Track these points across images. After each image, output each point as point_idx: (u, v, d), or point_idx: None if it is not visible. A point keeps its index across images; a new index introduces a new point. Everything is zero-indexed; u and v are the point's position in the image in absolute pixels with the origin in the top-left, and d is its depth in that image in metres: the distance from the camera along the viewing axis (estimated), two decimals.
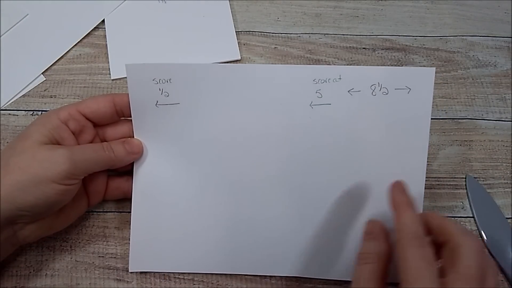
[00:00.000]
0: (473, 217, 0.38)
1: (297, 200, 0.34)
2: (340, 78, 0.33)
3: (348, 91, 0.34)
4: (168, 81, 0.33)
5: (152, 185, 0.35)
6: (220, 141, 0.34)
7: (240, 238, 0.34)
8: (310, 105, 0.34)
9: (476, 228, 0.38)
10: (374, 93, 0.33)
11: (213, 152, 0.34)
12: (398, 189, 0.31)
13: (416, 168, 0.34)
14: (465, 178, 0.40)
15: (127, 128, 0.35)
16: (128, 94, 0.33)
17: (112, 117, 0.34)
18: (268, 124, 0.34)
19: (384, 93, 0.34)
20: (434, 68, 0.33)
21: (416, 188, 0.33)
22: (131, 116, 0.34)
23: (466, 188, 0.39)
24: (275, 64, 0.38)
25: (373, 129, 0.34)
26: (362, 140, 0.34)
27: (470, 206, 0.39)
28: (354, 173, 0.34)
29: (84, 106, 0.33)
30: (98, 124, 0.34)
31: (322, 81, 0.33)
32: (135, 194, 0.34)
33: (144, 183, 0.34)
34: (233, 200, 0.34)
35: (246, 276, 0.35)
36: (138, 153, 0.34)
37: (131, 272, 0.35)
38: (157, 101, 0.34)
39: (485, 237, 0.37)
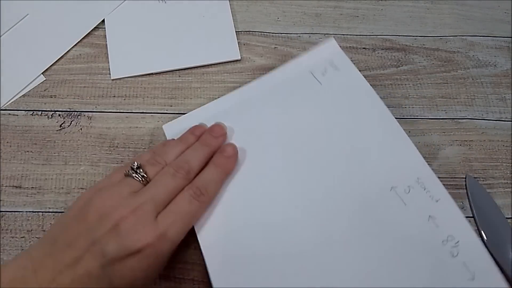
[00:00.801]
0: (473, 217, 0.38)
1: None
2: None
3: None
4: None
5: None
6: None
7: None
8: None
9: (476, 228, 0.38)
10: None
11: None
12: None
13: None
14: (465, 178, 0.40)
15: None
16: None
17: None
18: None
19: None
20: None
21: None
22: None
23: (466, 188, 0.39)
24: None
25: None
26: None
27: (470, 206, 0.39)
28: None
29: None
30: None
31: None
32: None
33: None
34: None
35: None
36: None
37: None
38: None
39: (485, 237, 0.37)
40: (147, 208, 0.28)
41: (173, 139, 0.36)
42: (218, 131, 0.35)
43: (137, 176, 0.30)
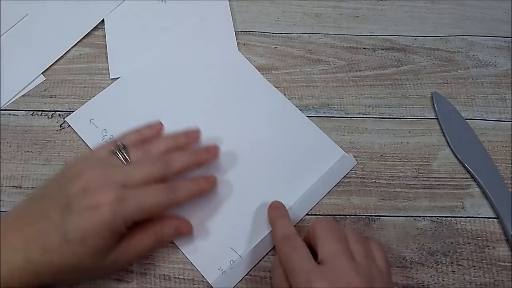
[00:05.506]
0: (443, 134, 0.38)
1: None
2: None
3: None
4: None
5: None
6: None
7: None
8: None
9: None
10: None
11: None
12: (273, 208, 0.36)
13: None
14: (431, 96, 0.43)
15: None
16: None
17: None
18: None
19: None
20: None
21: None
22: None
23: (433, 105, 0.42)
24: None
25: None
26: None
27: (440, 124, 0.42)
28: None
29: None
30: None
31: None
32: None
33: None
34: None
35: (246, 276, 0.35)
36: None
37: (131, 272, 0.35)
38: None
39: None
40: (118, 177, 0.31)
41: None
42: (212, 149, 0.36)
43: (121, 156, 0.33)
